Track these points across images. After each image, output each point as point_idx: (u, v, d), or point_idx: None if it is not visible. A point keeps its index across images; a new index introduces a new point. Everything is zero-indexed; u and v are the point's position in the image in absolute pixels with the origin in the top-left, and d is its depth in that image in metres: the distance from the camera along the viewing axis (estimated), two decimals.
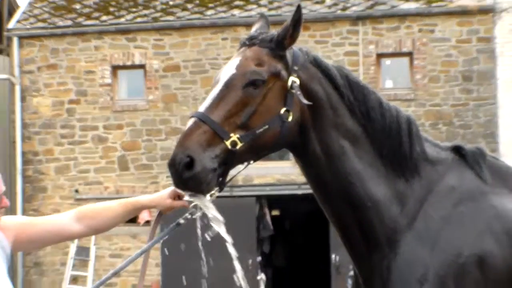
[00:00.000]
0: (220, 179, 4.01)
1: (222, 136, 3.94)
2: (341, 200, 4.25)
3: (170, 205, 4.24)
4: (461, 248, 4.14)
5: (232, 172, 4.15)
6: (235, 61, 4.18)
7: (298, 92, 4.09)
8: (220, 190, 4.07)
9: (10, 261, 4.05)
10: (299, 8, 4.12)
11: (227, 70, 4.14)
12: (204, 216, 4.18)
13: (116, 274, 4.31)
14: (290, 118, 4.08)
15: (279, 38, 4.15)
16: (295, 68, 4.15)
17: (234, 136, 3.96)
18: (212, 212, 4.08)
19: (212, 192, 4.05)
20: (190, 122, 4.02)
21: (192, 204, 4.15)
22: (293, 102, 4.09)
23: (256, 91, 4.05)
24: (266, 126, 4.04)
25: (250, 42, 4.23)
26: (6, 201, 3.85)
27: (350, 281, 14.36)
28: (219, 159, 3.93)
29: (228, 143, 3.94)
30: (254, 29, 4.39)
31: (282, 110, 4.08)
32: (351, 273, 14.59)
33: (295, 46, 4.27)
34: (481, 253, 4.13)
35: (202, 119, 3.97)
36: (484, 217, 4.21)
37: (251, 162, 4.25)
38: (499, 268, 4.12)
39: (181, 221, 4.19)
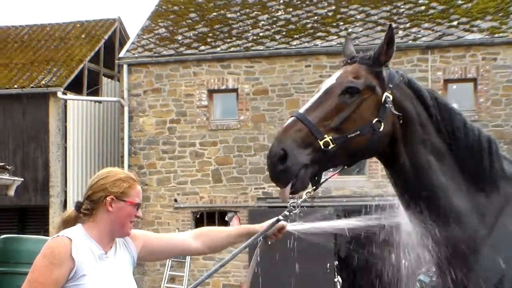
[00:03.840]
0: (315, 178, 3.97)
1: (316, 136, 3.89)
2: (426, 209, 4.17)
3: (274, 233, 4.33)
4: None
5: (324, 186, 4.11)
6: (337, 74, 4.18)
7: (391, 105, 4.05)
8: (315, 189, 4.04)
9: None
10: (390, 27, 4.12)
11: (329, 81, 4.15)
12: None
13: (230, 261, 4.40)
14: (381, 128, 4.02)
15: (375, 56, 4.15)
16: (390, 86, 4.12)
17: (327, 137, 3.90)
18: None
19: (308, 190, 4.04)
20: (289, 120, 3.99)
21: (292, 200, 4.14)
22: (385, 115, 4.04)
23: (351, 100, 4.01)
24: (358, 132, 3.98)
25: (352, 60, 4.23)
26: (139, 212, 3.91)
27: (418, 285, 14.03)
28: (311, 156, 3.87)
29: (321, 143, 3.89)
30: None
31: (374, 120, 4.02)
32: (420, 277, 14.30)
33: (393, 69, 4.25)
34: None
35: (300, 118, 3.95)
36: None
37: (344, 166, 4.20)
38: None
39: (281, 217, 4.19)
